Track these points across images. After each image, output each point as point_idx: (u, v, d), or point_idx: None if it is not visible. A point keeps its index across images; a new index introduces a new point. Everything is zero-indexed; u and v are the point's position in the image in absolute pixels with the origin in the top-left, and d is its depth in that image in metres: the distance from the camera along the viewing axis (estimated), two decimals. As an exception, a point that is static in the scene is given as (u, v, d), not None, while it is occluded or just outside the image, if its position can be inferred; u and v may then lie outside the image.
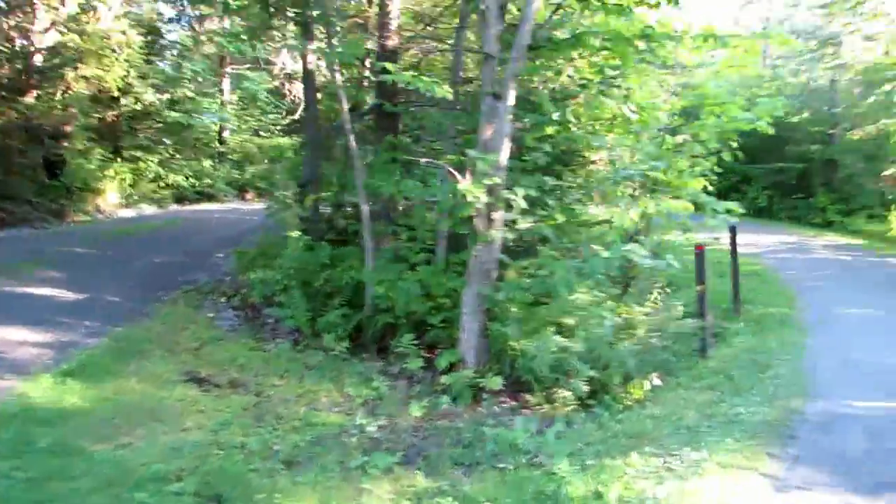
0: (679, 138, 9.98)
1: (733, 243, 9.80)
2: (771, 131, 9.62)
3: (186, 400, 5.78)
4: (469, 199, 5.84)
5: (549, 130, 6.56)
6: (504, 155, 6.29)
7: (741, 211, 10.25)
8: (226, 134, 23.10)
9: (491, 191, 6.20)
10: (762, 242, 16.63)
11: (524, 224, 6.75)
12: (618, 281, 10.30)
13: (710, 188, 10.76)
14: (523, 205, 6.65)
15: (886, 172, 18.52)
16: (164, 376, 6.29)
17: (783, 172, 21.67)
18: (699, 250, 7.53)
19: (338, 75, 7.34)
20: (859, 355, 7.10)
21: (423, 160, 6.69)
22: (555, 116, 6.37)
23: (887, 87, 18.58)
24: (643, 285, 10.66)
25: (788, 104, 22.65)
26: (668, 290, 12.00)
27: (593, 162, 9.64)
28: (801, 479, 4.25)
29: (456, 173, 6.05)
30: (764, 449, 4.73)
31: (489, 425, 5.71)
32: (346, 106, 7.35)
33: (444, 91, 5.99)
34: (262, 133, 23.48)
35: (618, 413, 5.88)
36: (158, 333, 7.40)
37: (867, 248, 15.78)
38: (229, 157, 23.10)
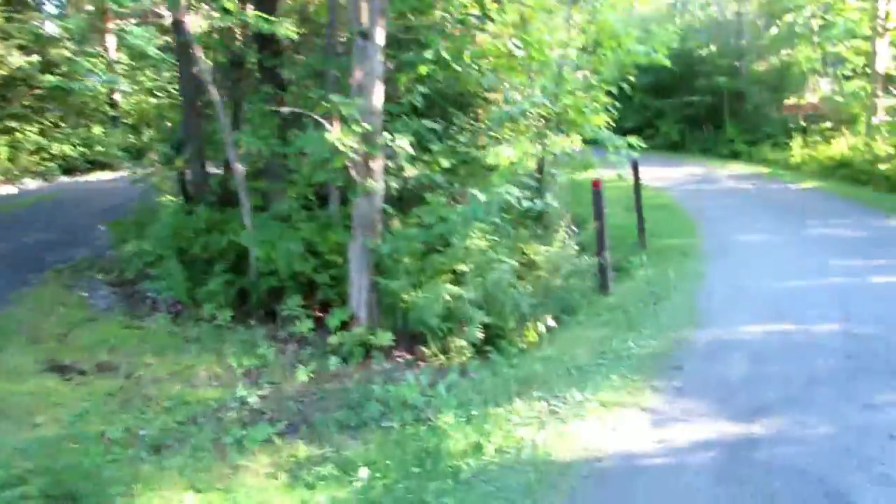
0: (579, 74, 9.81)
1: (636, 178, 9.76)
2: (667, 63, 9.55)
3: (41, 392, 5.24)
4: (340, 148, 5.42)
5: (424, 70, 6.15)
6: (377, 99, 5.86)
7: (643, 145, 10.30)
8: (117, 96, 21.43)
9: (366, 138, 5.78)
10: (673, 176, 16.93)
11: (411, 171, 6.40)
12: (525, 222, 10.21)
13: (612, 124, 10.74)
14: (410, 151, 6.29)
15: (788, 102, 19.09)
16: (20, 368, 5.69)
17: (693, 106, 22.04)
18: (596, 186, 7.38)
19: (188, 19, 6.64)
20: (750, 282, 7.21)
21: (289, 110, 6.15)
22: (427, 54, 5.95)
23: (788, 17, 19.00)
24: (550, 224, 10.63)
25: (683, 35, 22.97)
26: (574, 228, 12.05)
27: (490, 103, 9.32)
28: (681, 411, 4.20)
29: (325, 122, 5.59)
30: (648, 383, 4.68)
31: (379, 383, 5.45)
32: (200, 53, 6.68)
33: (288, 31, 5.49)
34: (158, 93, 21.90)
35: (512, 358, 5.74)
36: (20, 321, 6.72)
37: (770, 175, 16.30)
38: (124, 121, 21.51)
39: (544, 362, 5.33)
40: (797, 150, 17.43)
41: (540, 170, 9.41)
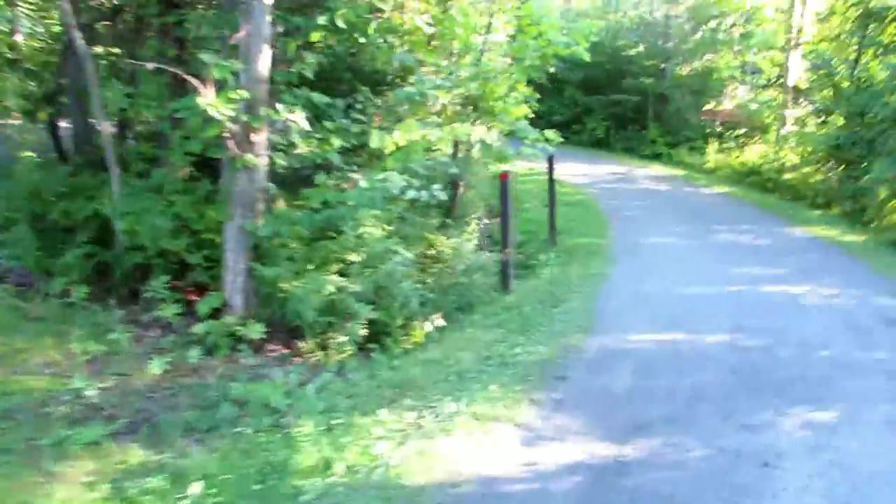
0: (502, 61, 9.42)
1: (550, 174, 9.50)
2: (586, 56, 9.28)
3: None
4: (215, 116, 4.79)
5: (316, 36, 5.56)
6: (262, 65, 5.24)
7: (560, 139, 10.07)
8: (19, 37, 19.43)
9: (251, 108, 5.18)
10: (594, 172, 16.97)
11: (304, 149, 5.82)
12: (431, 212, 9.80)
13: (533, 115, 10.46)
14: (305, 126, 5.71)
15: (706, 107, 19.48)
16: None
17: (620, 105, 22.23)
18: (503, 178, 7.02)
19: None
20: (651, 287, 7.08)
21: (173, 70, 5.43)
22: (321, 20, 5.37)
23: (712, 24, 19.32)
24: (463, 215, 10.28)
25: (614, 33, 23.15)
26: (488, 221, 11.75)
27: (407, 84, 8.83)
28: (555, 429, 3.90)
29: (201, 86, 4.93)
30: (529, 394, 4.36)
31: (242, 381, 4.92)
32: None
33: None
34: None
35: (395, 359, 5.32)
36: None
37: (686, 178, 16.57)
38: (26, 66, 19.54)
39: (426, 366, 4.93)
40: (712, 154, 17.82)
41: (455, 157, 9.00)
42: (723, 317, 6.03)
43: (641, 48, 21.02)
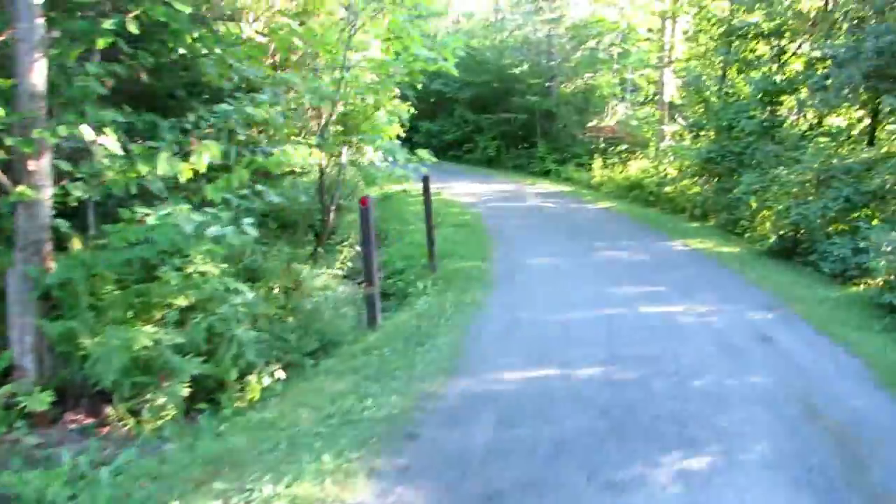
0: (370, 77, 8.77)
1: (426, 195, 8.91)
2: (454, 72, 8.85)
3: None
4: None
5: (102, 43, 4.65)
6: (36, 76, 4.28)
7: (433, 159, 9.60)
8: None
9: (24, 129, 4.19)
10: (484, 191, 16.66)
11: (111, 175, 4.85)
12: (301, 240, 8.96)
13: (403, 134, 9.91)
14: (116, 149, 4.75)
15: (590, 123, 19.80)
16: None
17: (510, 123, 22.27)
18: (362, 205, 6.31)
19: None
20: (528, 313, 6.58)
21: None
22: (107, 24, 4.47)
23: (591, 43, 19.71)
24: (335, 242, 9.49)
25: (500, 51, 23.28)
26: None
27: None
28: (391, 510, 3.19)
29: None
30: (369, 463, 3.62)
31: (17, 466, 3.89)
32: None
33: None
34: None
35: (225, 422, 4.44)
36: None
37: (573, 194, 16.60)
38: None
39: (255, 431, 4.09)
40: (597, 170, 18.03)
41: (321, 181, 8.26)
42: (598, 345, 5.59)
43: (526, 66, 21.14)
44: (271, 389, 4.86)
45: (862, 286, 7.77)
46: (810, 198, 9.47)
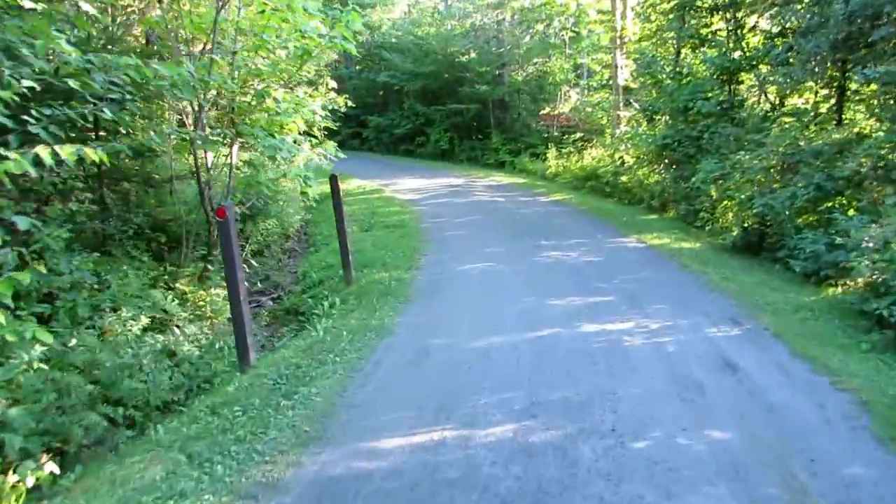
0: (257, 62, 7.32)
1: (336, 198, 7.49)
2: (353, 51, 7.44)
3: None
4: None
5: None
6: None
7: (341, 155, 8.34)
8: None
9: None
10: (429, 187, 15.33)
11: None
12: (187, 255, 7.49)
13: (332, 127, 8.60)
14: None
15: (543, 112, 18.55)
16: None
17: (462, 115, 20.95)
18: (221, 217, 4.87)
19: None
20: (442, 339, 5.26)
21: None
22: None
23: (540, 27, 18.43)
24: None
25: (446, 40, 21.87)
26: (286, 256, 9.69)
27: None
28: None
29: None
30: None
31: None
32: None
33: None
34: None
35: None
36: None
37: (526, 186, 15.35)
38: None
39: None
40: (552, 160, 16.83)
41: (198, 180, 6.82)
42: (519, 386, 4.28)
43: (474, 54, 19.80)
44: (57, 485, 3.43)
45: (840, 288, 6.60)
46: (776, 186, 8.32)
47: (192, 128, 6.51)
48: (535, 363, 4.68)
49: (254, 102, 6.75)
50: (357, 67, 25.16)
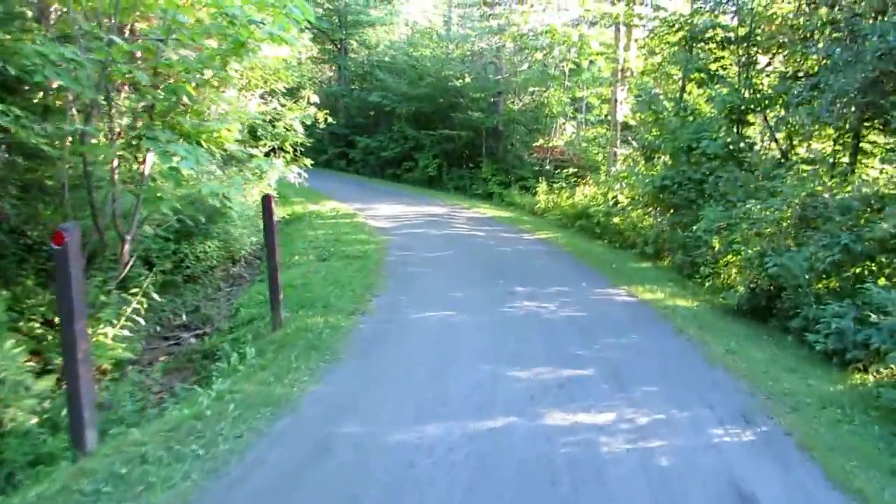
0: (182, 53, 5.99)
1: (268, 222, 6.09)
2: (293, 43, 6.14)
3: None
4: None
5: None
6: None
7: (303, 173, 6.94)
8: None
9: None
10: (408, 215, 13.99)
11: None
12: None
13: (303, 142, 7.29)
14: None
15: (537, 143, 17.35)
16: None
17: (453, 141, 19.73)
18: (57, 244, 3.48)
19: None
20: (361, 426, 3.87)
21: None
22: None
23: (539, 56, 17.34)
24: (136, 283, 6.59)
25: (441, 63, 20.78)
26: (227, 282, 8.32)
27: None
28: None
29: None
30: None
31: None
32: None
33: None
34: None
35: None
36: None
37: (512, 221, 14.03)
38: None
39: None
40: (542, 195, 15.56)
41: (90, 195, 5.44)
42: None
43: (469, 79, 18.65)
44: None
45: (871, 376, 5.24)
46: (788, 242, 7.01)
47: (83, 125, 5.14)
48: (472, 483, 3.27)
49: (168, 101, 5.40)
50: (351, 86, 24.04)
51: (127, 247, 5.79)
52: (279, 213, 13.99)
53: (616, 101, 14.09)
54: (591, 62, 16.40)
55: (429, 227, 12.46)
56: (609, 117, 15.07)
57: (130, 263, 6.01)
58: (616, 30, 13.89)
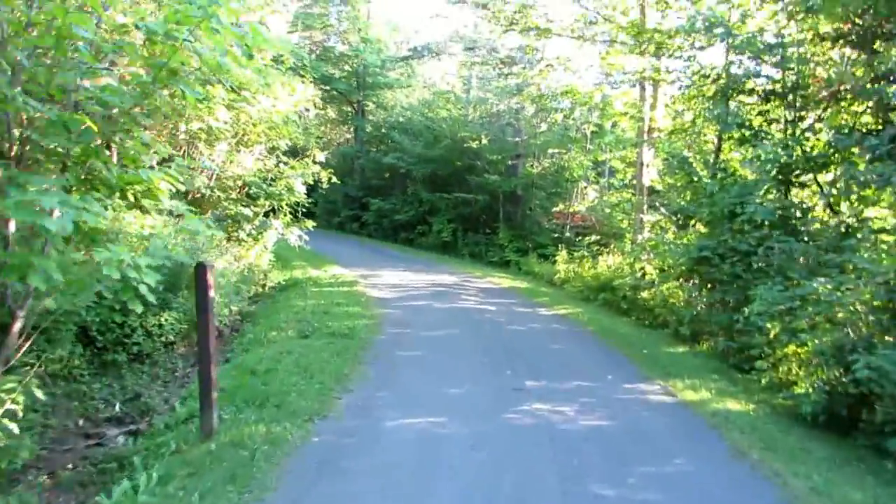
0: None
1: (202, 297, 4.66)
2: (241, 64, 4.88)
3: None
4: None
5: None
6: None
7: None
8: None
9: None
10: (413, 284, 12.56)
11: None
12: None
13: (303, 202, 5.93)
14: None
15: (556, 208, 15.99)
16: None
17: (469, 205, 18.52)
18: None
19: None
20: None
21: None
22: None
23: (559, 117, 16.23)
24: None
25: (457, 124, 19.84)
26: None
27: None
28: None
29: None
30: None
31: None
32: None
33: None
34: None
35: None
36: None
37: (528, 293, 12.49)
38: None
39: None
40: (562, 264, 14.06)
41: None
42: None
43: (485, 140, 17.57)
44: None
45: None
46: (870, 331, 5.37)
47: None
48: None
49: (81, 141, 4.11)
50: (367, 147, 23.27)
51: (17, 325, 4.41)
52: (276, 277, 12.70)
53: (642, 163, 12.74)
54: (614, 123, 15.19)
55: (434, 298, 10.97)
56: (634, 181, 13.69)
57: (24, 345, 4.61)
58: (641, 88, 12.71)
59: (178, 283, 7.22)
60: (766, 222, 7.47)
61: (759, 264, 7.36)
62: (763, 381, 6.63)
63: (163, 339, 6.98)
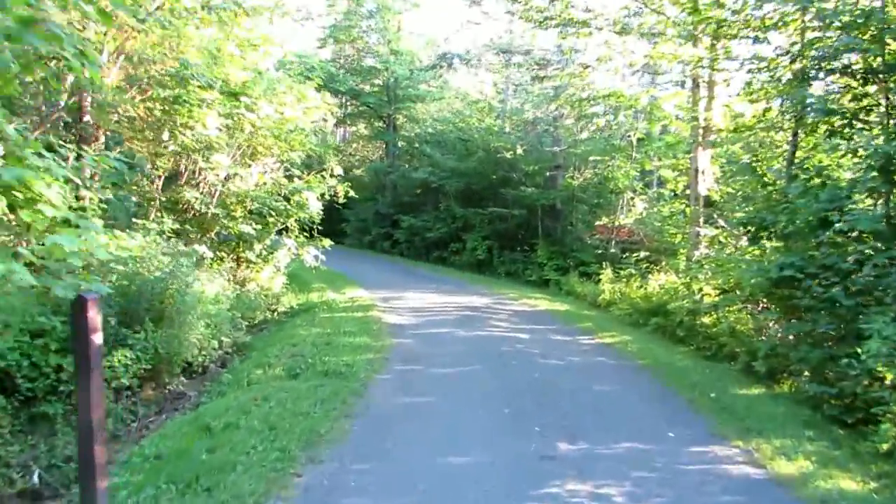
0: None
1: (82, 340, 3.25)
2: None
3: None
4: None
5: None
6: None
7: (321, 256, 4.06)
8: None
9: None
10: (438, 307, 11.06)
11: None
12: None
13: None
14: None
15: (600, 222, 14.24)
16: None
17: (506, 220, 16.95)
18: None
19: None
20: None
21: None
22: None
23: (602, 122, 14.53)
24: None
25: (493, 134, 18.31)
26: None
27: None
28: None
29: None
30: None
31: None
32: None
33: None
34: None
35: None
36: None
37: (567, 317, 10.78)
38: None
39: None
40: (606, 284, 12.29)
41: None
42: None
43: (521, 150, 15.99)
44: None
45: None
46: None
47: None
48: None
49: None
50: (398, 162, 22.07)
51: None
52: (289, 301, 11.44)
53: (696, 169, 10.93)
54: (663, 128, 13.40)
55: (459, 325, 9.41)
56: (688, 191, 11.85)
57: None
58: (694, 86, 10.94)
59: (137, 314, 5.93)
60: (876, 233, 5.64)
61: (864, 287, 5.53)
62: (884, 446, 4.79)
63: (116, 382, 5.66)
